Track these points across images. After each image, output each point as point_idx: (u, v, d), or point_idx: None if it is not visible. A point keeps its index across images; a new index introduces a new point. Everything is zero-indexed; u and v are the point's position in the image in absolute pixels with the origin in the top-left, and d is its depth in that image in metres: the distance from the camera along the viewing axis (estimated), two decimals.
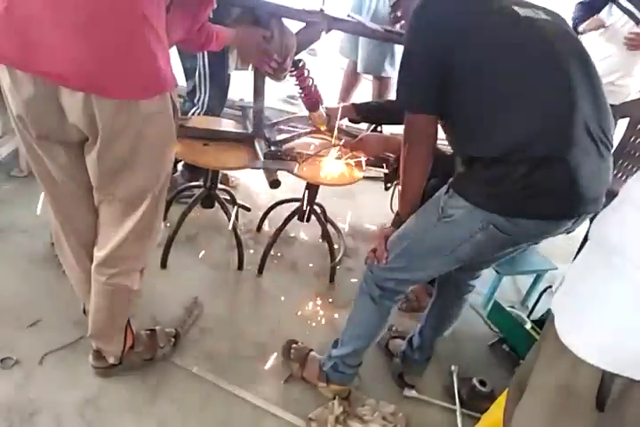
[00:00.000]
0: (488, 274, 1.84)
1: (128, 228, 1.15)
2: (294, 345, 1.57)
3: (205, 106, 1.95)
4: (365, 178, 1.80)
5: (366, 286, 1.34)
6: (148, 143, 1.06)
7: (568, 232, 1.15)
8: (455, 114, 1.14)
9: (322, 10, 1.55)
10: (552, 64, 1.07)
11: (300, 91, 1.68)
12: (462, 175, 1.15)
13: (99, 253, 1.20)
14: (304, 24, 1.58)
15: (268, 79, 1.65)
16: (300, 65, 1.63)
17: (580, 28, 2.43)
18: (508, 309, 1.85)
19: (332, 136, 1.81)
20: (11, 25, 0.90)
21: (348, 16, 1.68)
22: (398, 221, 1.28)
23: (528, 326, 1.72)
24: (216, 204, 1.82)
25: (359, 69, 2.87)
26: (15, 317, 1.48)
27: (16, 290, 1.57)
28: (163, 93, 1.02)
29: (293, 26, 1.56)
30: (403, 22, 1.42)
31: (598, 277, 0.79)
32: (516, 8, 1.11)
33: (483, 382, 1.56)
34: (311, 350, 1.55)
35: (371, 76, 2.95)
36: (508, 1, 1.14)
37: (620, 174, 2.54)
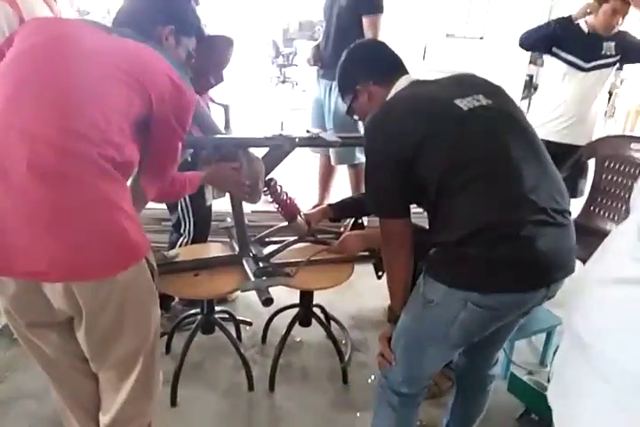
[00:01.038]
0: None
1: (126, 390, 1.16)
2: None
3: (192, 234, 2.02)
4: (357, 261, 1.82)
5: (383, 394, 1.32)
6: (132, 308, 1.09)
7: (548, 298, 1.18)
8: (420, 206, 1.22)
9: (281, 134, 1.66)
10: (504, 155, 1.14)
11: (277, 206, 1.76)
12: (432, 259, 1.19)
13: (104, 418, 1.20)
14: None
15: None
16: (272, 184, 1.71)
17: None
18: (526, 377, 1.83)
19: (315, 240, 1.87)
20: None
21: (308, 132, 1.78)
22: (392, 315, 1.30)
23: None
24: (217, 327, 1.83)
25: (332, 162, 2.94)
26: None
27: None
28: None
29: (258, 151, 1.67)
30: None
31: (576, 371, 0.73)
32: (457, 102, 1.17)
33: None
34: None
35: (345, 165, 2.99)
36: (449, 94, 1.20)
37: (599, 211, 2.62)
